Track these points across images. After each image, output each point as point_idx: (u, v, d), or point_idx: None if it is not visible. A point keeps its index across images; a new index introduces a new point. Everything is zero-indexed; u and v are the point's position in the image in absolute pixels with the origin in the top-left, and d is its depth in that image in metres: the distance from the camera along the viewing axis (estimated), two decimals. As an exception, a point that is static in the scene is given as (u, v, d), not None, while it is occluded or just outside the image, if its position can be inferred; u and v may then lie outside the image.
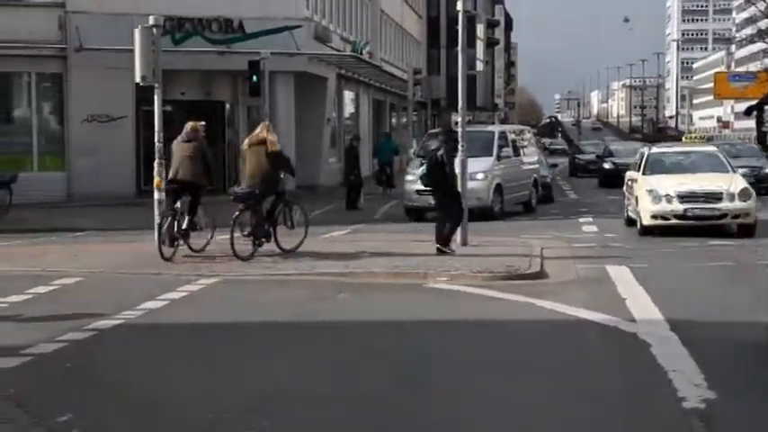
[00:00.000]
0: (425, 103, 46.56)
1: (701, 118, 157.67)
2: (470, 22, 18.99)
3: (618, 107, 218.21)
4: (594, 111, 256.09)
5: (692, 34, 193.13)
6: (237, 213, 15.68)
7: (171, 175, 16.17)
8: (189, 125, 16.54)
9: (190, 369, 8.55)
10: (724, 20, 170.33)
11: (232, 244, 15.36)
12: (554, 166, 42.28)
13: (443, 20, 66.42)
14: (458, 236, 17.02)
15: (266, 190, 15.89)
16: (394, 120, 56.07)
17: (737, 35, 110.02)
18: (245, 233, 15.79)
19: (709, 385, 7.53)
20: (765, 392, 7.56)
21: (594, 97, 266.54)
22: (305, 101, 34.12)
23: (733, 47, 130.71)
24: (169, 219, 15.72)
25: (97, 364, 8.77)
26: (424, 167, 16.28)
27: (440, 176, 16.11)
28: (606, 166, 37.94)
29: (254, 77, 27.85)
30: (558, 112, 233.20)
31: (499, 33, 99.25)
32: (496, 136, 25.26)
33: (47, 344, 9.31)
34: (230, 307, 11.81)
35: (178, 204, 15.93)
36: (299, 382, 8.01)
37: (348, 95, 43.51)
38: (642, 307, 11.17)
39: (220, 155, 33.90)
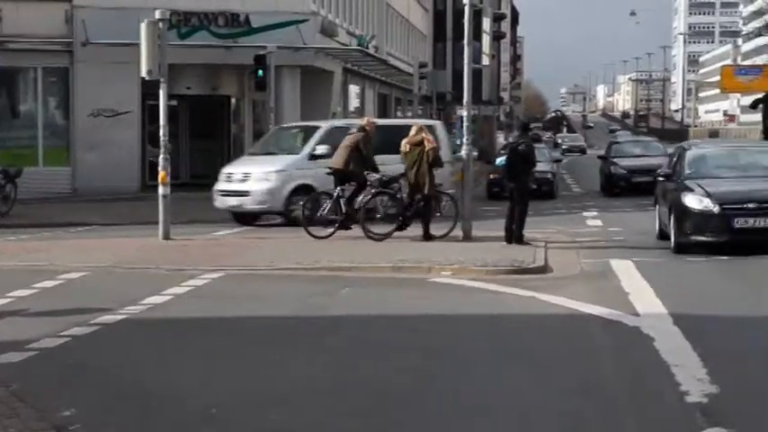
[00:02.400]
0: (431, 97, 46.53)
1: (707, 111, 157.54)
2: (476, 15, 18.99)
3: (623, 101, 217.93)
4: (600, 104, 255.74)
5: (699, 27, 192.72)
6: (369, 198, 17.22)
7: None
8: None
9: (193, 364, 8.57)
10: (731, 13, 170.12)
11: (363, 226, 16.81)
12: (558, 161, 37.28)
13: (450, 13, 66.32)
14: (459, 230, 17.08)
15: (423, 187, 16.98)
16: (399, 114, 56.04)
17: (744, 28, 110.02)
18: (379, 217, 17.27)
19: (711, 379, 7.53)
20: (765, 386, 7.57)
21: (600, 91, 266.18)
22: (310, 95, 34.09)
23: (740, 40, 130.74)
24: (326, 202, 17.64)
25: (101, 359, 8.79)
26: (503, 159, 16.91)
27: (521, 168, 16.61)
28: (695, 205, 15.60)
29: (260, 72, 27.87)
30: (563, 105, 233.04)
31: (505, 27, 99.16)
32: (320, 132, 21.77)
33: (51, 338, 9.34)
34: (233, 301, 11.83)
35: (338, 190, 17.54)
36: (302, 377, 8.03)
37: (354, 89, 43.48)
38: (646, 301, 11.18)
39: (225, 149, 33.98)
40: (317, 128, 22.30)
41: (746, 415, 6.76)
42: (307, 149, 21.44)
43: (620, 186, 30.60)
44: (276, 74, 28.56)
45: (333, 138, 20.93)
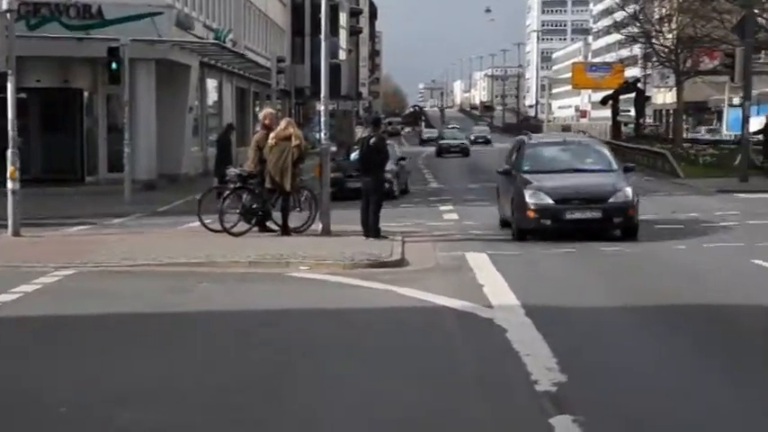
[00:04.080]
0: (289, 92, 46.39)
1: (559, 107, 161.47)
2: (333, 10, 19.00)
3: (480, 96, 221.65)
4: (458, 100, 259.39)
5: (552, 25, 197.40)
6: (228, 193, 17.16)
7: None
8: None
9: (43, 363, 8.36)
10: (582, 11, 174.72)
11: (221, 221, 16.71)
12: (402, 159, 30.04)
13: (308, 8, 66.24)
14: (319, 225, 17.12)
15: (285, 182, 16.77)
16: (258, 108, 55.72)
17: (594, 26, 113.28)
18: (239, 211, 17.03)
19: (561, 369, 7.75)
20: (612, 375, 7.82)
21: (458, 86, 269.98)
22: (167, 89, 33.56)
23: (590, 38, 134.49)
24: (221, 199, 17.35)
25: (-54, 360, 8.50)
26: (356, 154, 16.89)
27: (374, 162, 16.70)
28: None
29: (114, 65, 27.29)
30: (421, 101, 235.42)
31: (364, 22, 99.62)
32: None
33: None
34: (87, 299, 11.58)
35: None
36: (155, 374, 7.93)
37: (211, 83, 43.00)
38: (499, 293, 11.42)
39: (79, 144, 33.19)
40: None
41: (593, 402, 6.98)
42: None
43: (543, 227, 16.84)
44: (131, 67, 27.99)
45: None
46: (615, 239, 16.51)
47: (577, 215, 16.69)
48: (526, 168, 17.95)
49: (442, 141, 64.67)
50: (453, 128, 79.35)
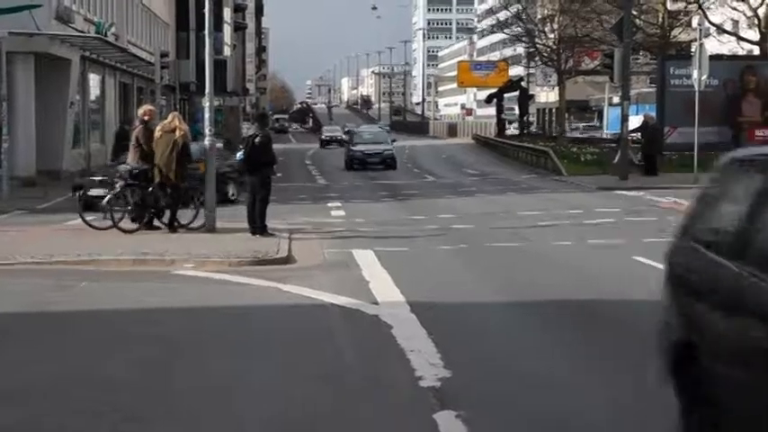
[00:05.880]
0: (174, 87, 45.87)
1: (446, 105, 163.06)
2: (218, 5, 18.85)
3: (367, 93, 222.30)
4: (345, 97, 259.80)
5: (437, 23, 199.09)
6: (118, 189, 16.81)
7: None
8: None
9: None
10: (467, 10, 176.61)
11: (113, 218, 16.40)
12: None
13: (192, 2, 65.47)
14: (202, 220, 16.98)
15: (178, 174, 16.68)
16: (144, 104, 54.82)
17: (479, 26, 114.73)
18: (125, 208, 16.83)
19: (444, 364, 7.83)
20: (496, 370, 7.93)
21: (345, 83, 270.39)
22: (47, 83, 32.78)
23: (475, 37, 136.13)
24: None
25: None
26: (242, 152, 17.16)
27: (259, 160, 16.56)
28: None
29: (-10, 58, 26.58)
30: (309, 97, 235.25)
31: (249, 18, 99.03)
32: None
33: None
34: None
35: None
36: (38, 374, 7.75)
37: (93, 78, 42.16)
38: (385, 290, 11.47)
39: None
40: None
41: (476, 397, 7.07)
42: None
43: None
44: (8, 61, 27.32)
45: None
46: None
47: None
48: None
49: (354, 148, 43.06)
50: (377, 127, 60.89)
